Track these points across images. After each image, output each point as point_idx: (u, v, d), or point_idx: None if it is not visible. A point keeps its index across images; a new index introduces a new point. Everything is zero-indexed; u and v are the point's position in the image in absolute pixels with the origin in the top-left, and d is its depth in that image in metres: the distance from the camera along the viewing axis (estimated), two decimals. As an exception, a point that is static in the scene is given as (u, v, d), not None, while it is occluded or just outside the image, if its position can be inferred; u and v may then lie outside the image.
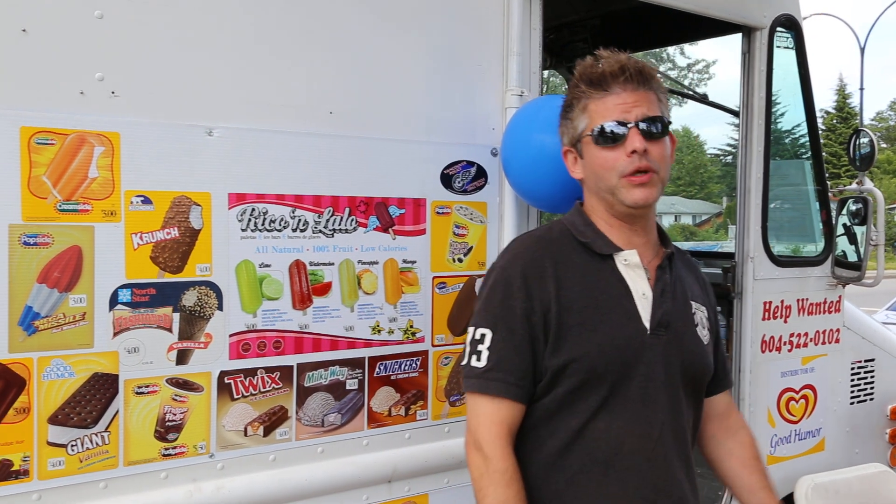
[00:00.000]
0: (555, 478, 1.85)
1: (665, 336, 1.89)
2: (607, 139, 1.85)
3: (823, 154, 3.90)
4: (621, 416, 1.84)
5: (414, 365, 2.54)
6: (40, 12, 1.93)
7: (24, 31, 1.90)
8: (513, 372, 1.83)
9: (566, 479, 1.84)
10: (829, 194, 3.87)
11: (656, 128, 1.85)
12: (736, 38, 3.48)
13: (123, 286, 2.06)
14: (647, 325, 1.87)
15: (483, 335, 1.86)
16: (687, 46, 29.34)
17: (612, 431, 1.83)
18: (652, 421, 1.86)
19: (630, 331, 1.86)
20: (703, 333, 2.01)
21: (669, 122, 1.92)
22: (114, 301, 2.05)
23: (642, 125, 1.83)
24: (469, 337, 1.89)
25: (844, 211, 3.76)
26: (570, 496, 1.84)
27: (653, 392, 1.86)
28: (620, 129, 1.83)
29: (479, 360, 1.85)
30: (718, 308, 3.83)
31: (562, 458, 1.85)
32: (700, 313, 2.03)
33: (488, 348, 1.84)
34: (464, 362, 1.89)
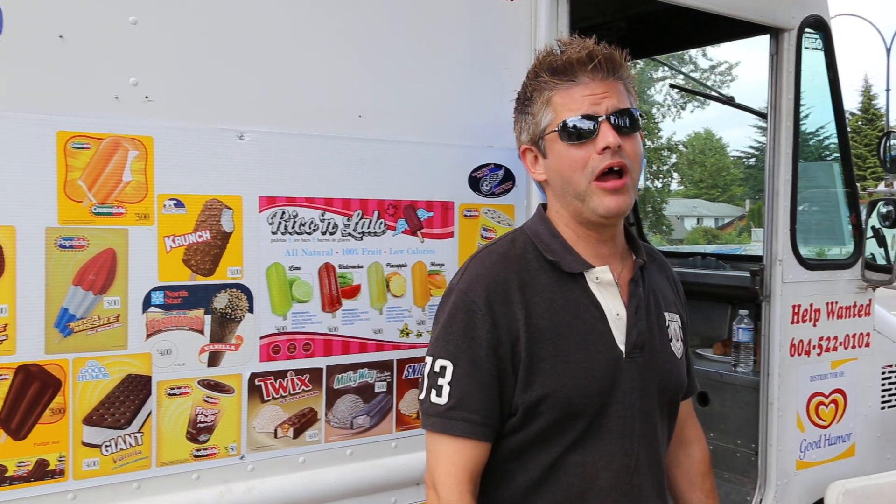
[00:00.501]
0: None
1: (641, 358, 1.75)
2: (575, 135, 1.67)
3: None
4: (596, 448, 1.70)
5: (442, 367, 2.54)
6: (77, 19, 1.96)
7: (60, 37, 1.93)
8: (478, 410, 1.66)
9: None
10: (859, 196, 3.84)
11: (627, 122, 1.68)
12: (759, 40, 3.46)
13: (156, 288, 2.08)
14: (622, 347, 1.72)
15: (443, 367, 1.68)
16: (709, 48, 29.20)
17: (588, 466, 1.70)
18: (629, 452, 1.73)
19: (605, 358, 1.71)
20: (677, 347, 1.88)
21: (641, 116, 1.75)
22: (147, 303, 2.07)
23: (613, 118, 1.66)
24: (427, 368, 1.72)
25: (874, 213, 3.72)
26: None
27: (629, 421, 1.73)
28: (590, 124, 1.66)
29: (439, 395, 1.67)
30: (746, 311, 3.85)
31: (533, 493, 1.71)
32: (674, 324, 1.90)
33: (449, 383, 1.66)
34: (421, 396, 1.72)
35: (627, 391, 1.72)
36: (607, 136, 1.65)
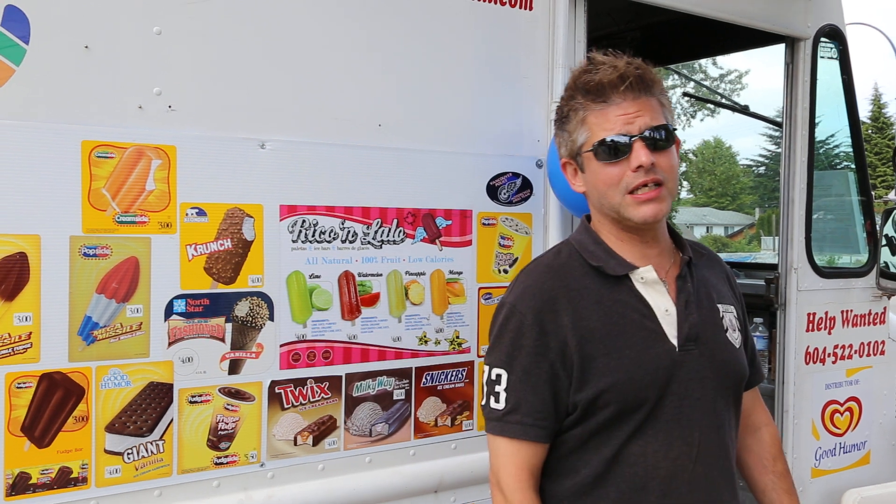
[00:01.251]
0: None
1: (696, 350, 1.80)
2: (610, 154, 1.73)
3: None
4: (656, 438, 1.75)
5: (460, 375, 2.55)
6: (102, 29, 1.98)
7: (86, 47, 1.95)
8: (531, 413, 1.75)
9: None
10: (874, 205, 3.84)
11: (661, 137, 1.73)
12: (771, 49, 3.47)
13: (178, 297, 2.10)
14: (674, 342, 1.78)
15: (499, 376, 1.79)
16: (720, 57, 29.19)
17: (648, 456, 1.75)
18: (689, 441, 1.77)
19: (657, 351, 1.76)
20: (735, 336, 1.92)
21: (674, 129, 1.79)
22: (169, 311, 2.09)
23: (647, 136, 1.71)
24: (485, 377, 1.83)
25: (889, 222, 3.72)
26: None
27: (688, 410, 1.77)
28: (624, 143, 1.71)
29: (497, 401, 1.78)
30: (760, 319, 3.84)
31: (597, 487, 1.77)
32: (729, 315, 1.93)
33: (505, 389, 1.77)
34: (483, 402, 1.84)
35: (684, 382, 1.78)
36: (640, 155, 1.71)
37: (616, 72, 1.73)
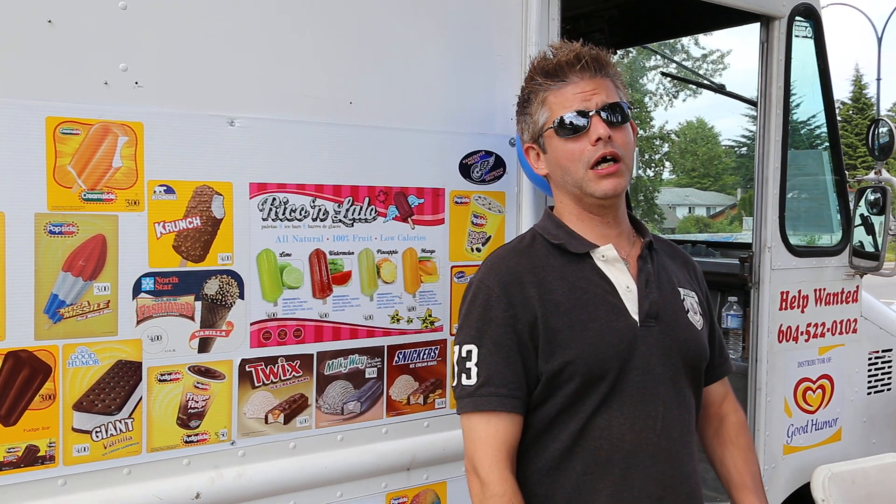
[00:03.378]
0: (560, 483, 1.82)
1: (656, 326, 1.86)
2: (570, 129, 1.83)
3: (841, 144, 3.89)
4: (620, 412, 1.80)
5: (432, 354, 2.56)
6: (66, 3, 1.95)
7: (49, 21, 1.92)
8: (505, 384, 1.78)
9: (571, 483, 1.81)
10: (847, 184, 3.86)
11: (616, 115, 1.84)
12: (752, 29, 3.47)
13: (146, 275, 2.08)
14: (636, 317, 1.84)
15: (469, 352, 1.82)
16: (701, 37, 29.19)
17: (613, 429, 1.80)
18: (653, 415, 1.83)
19: (620, 325, 1.83)
20: (696, 319, 1.97)
21: (631, 107, 1.91)
22: (137, 289, 2.07)
23: (603, 113, 1.82)
24: (455, 356, 1.85)
25: (862, 201, 3.75)
26: (576, 500, 1.80)
27: (651, 385, 1.83)
28: (582, 119, 1.82)
29: (468, 377, 1.80)
30: (735, 298, 3.87)
31: (564, 461, 1.81)
32: (690, 299, 1.99)
33: (476, 364, 1.80)
34: (454, 383, 1.85)
35: (645, 356, 1.83)
36: (598, 128, 1.81)
37: (572, 52, 1.85)
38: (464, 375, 1.81)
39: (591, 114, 1.81)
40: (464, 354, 1.82)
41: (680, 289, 1.98)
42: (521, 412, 1.81)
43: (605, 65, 1.86)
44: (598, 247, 1.89)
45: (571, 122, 1.82)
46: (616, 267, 1.88)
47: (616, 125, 1.83)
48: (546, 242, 1.91)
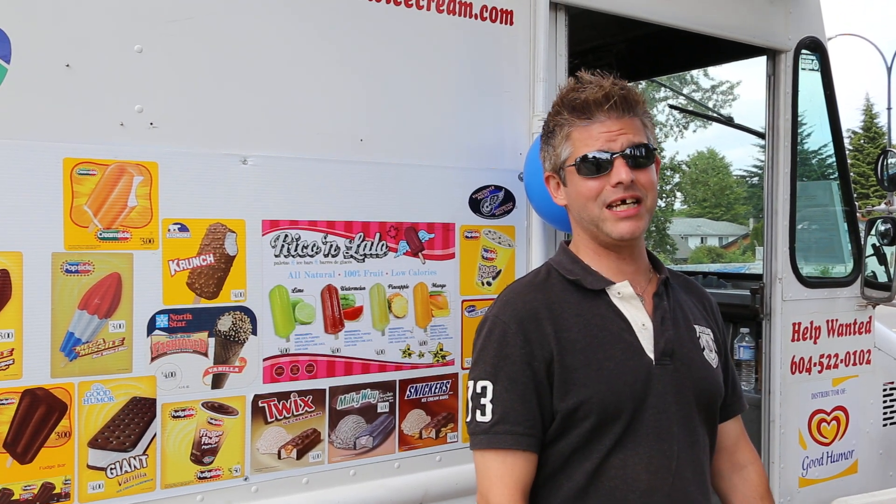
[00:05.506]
0: None
1: (671, 365, 1.82)
2: (591, 169, 1.78)
3: (851, 174, 3.90)
4: (635, 451, 1.76)
5: (444, 388, 2.57)
6: (84, 48, 2.00)
7: (67, 66, 1.97)
8: (521, 422, 1.74)
9: None
10: (858, 215, 3.86)
11: (642, 155, 1.79)
12: (761, 60, 3.50)
13: (161, 312, 2.11)
14: (651, 356, 1.80)
15: (484, 388, 1.77)
16: (711, 68, 29.28)
17: (628, 469, 1.76)
18: (667, 454, 1.78)
19: (635, 364, 1.79)
20: (711, 357, 1.94)
21: (655, 149, 1.85)
22: (151, 326, 2.10)
23: (628, 153, 1.77)
24: (470, 391, 1.81)
25: (873, 231, 3.75)
26: None
27: (666, 424, 1.79)
28: (605, 159, 1.77)
29: (483, 414, 1.76)
30: (747, 329, 3.86)
31: (579, 501, 1.77)
32: (705, 336, 1.96)
33: (491, 401, 1.76)
34: (468, 419, 1.80)
35: (661, 395, 1.80)
36: (620, 172, 1.76)
37: (601, 91, 1.79)
38: (478, 412, 1.77)
39: (614, 156, 1.77)
40: (478, 390, 1.78)
41: (696, 326, 1.94)
42: (537, 451, 1.77)
43: (635, 104, 1.81)
44: (614, 283, 1.85)
45: (594, 162, 1.78)
46: (632, 304, 1.84)
47: (640, 166, 1.79)
48: (561, 278, 1.88)
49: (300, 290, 2.30)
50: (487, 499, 1.74)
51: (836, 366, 3.60)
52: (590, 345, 1.78)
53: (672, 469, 1.78)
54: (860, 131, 45.19)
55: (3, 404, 1.92)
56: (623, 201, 1.78)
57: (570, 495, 1.78)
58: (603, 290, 1.85)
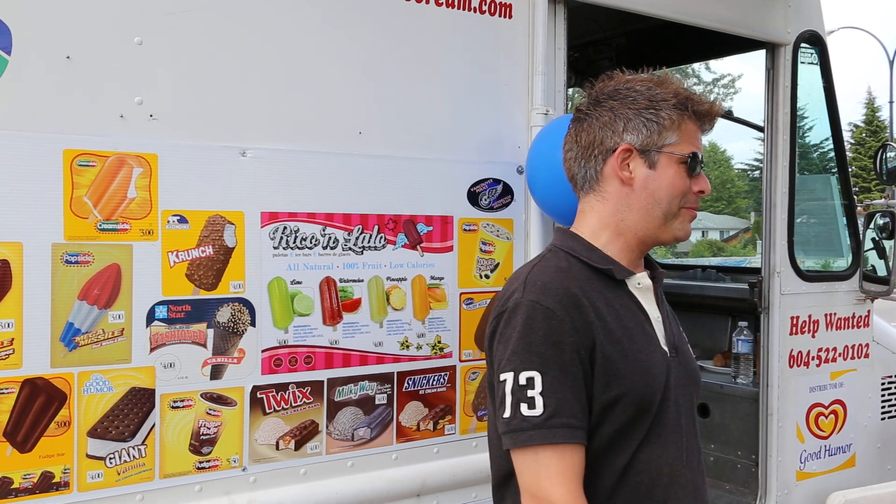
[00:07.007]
0: None
1: (677, 357, 1.83)
2: (695, 169, 1.80)
3: (853, 168, 3.92)
4: (658, 445, 1.74)
5: (442, 380, 2.58)
6: (84, 40, 2.01)
7: (67, 57, 1.98)
8: (575, 414, 1.63)
9: None
10: (857, 208, 3.87)
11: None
12: (761, 54, 3.50)
13: (160, 303, 2.12)
14: (665, 348, 1.80)
15: (530, 379, 1.63)
16: (712, 62, 29.26)
17: (653, 462, 1.73)
18: (680, 446, 1.79)
19: (659, 357, 1.78)
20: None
21: None
22: (151, 317, 2.11)
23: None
24: (510, 384, 1.66)
25: (872, 225, 3.75)
26: None
27: (677, 416, 1.79)
28: (703, 165, 1.85)
29: (532, 407, 1.62)
30: (745, 323, 3.87)
31: (610, 499, 1.71)
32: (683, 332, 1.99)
33: (541, 393, 1.62)
34: (506, 414, 1.65)
35: (675, 388, 1.80)
36: (705, 183, 1.85)
37: (717, 111, 1.85)
38: (524, 405, 1.63)
39: (702, 166, 1.85)
40: (523, 382, 1.64)
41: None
42: (586, 443, 1.67)
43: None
44: (635, 273, 1.83)
45: (701, 164, 1.82)
46: (647, 296, 1.84)
47: None
48: (582, 265, 1.79)
49: (299, 282, 2.32)
50: (549, 499, 1.61)
51: (834, 359, 3.61)
52: (624, 335, 1.73)
53: (683, 461, 1.79)
54: (862, 125, 45.13)
55: (3, 394, 1.93)
56: (695, 207, 1.85)
57: (601, 492, 1.71)
58: (623, 280, 1.82)
